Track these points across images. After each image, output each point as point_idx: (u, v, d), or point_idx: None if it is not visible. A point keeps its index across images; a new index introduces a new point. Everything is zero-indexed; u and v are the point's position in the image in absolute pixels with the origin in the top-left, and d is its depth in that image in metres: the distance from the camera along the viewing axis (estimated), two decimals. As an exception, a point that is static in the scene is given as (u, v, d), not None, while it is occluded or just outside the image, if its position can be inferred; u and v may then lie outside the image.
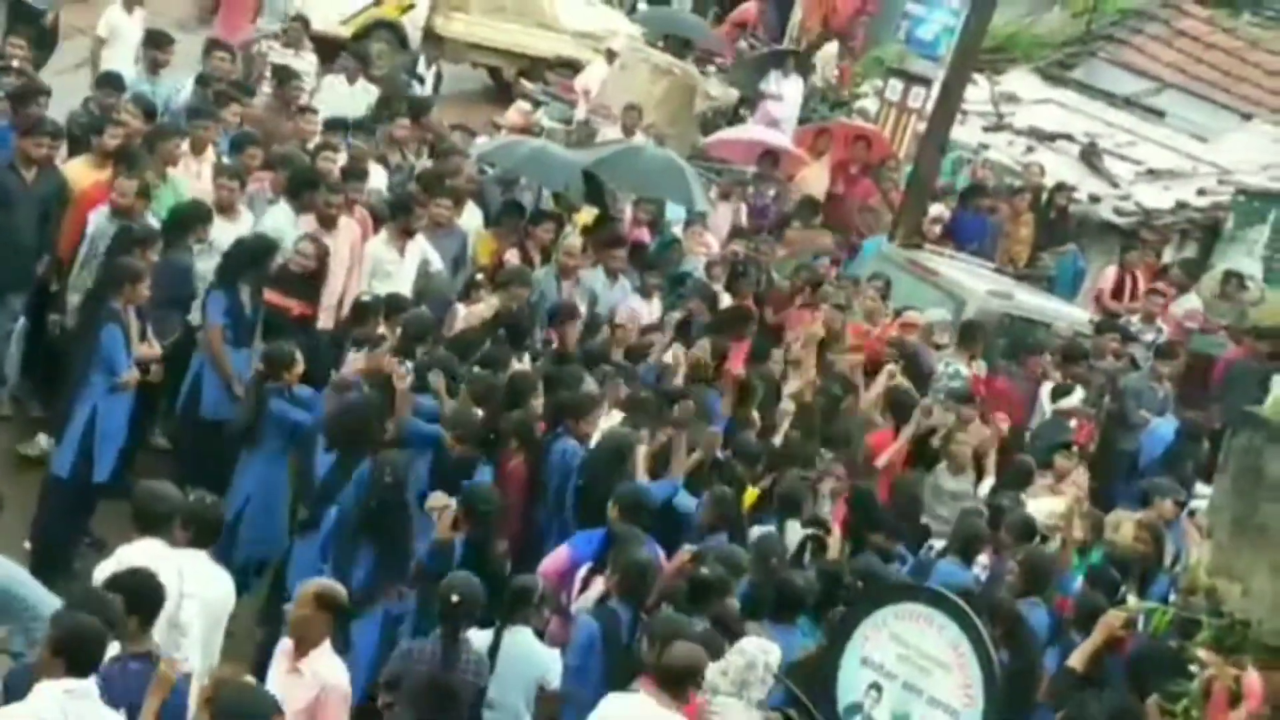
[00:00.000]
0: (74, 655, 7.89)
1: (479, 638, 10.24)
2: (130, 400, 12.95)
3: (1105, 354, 17.98)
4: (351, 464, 11.77)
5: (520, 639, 10.33)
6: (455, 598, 10.00)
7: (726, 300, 16.98)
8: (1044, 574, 12.35)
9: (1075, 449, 15.46)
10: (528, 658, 10.33)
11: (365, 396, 12.47)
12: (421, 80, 23.21)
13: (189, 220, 14.25)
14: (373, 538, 11.18)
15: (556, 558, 11.66)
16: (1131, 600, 12.13)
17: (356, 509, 11.24)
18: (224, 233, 14.36)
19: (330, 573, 10.84)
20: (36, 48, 18.13)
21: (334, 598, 9.29)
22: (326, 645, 9.23)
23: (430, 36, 26.22)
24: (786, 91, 26.44)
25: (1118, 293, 21.35)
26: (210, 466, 12.74)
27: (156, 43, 18.19)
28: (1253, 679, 7.19)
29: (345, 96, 19.92)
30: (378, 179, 16.84)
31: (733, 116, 26.56)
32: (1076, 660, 11.35)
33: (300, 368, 12.73)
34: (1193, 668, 7.33)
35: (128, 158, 14.42)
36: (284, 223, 15.05)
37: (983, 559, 12.89)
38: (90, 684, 7.90)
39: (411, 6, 27.22)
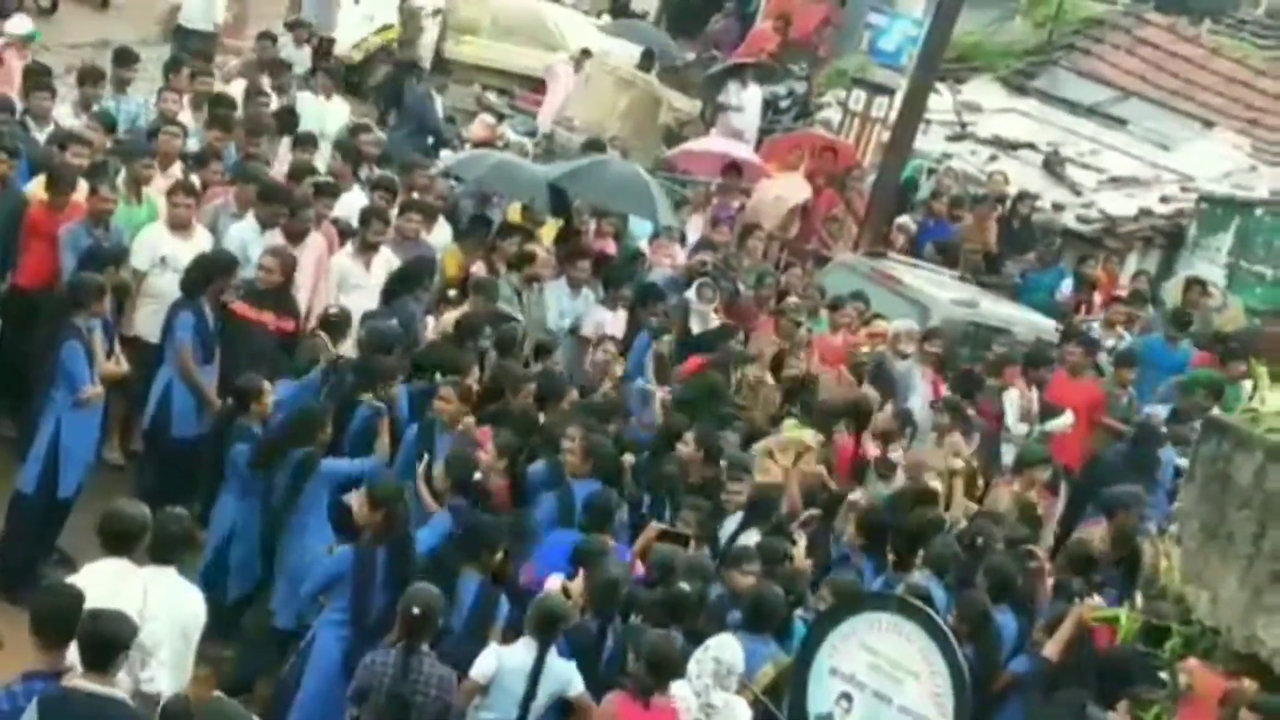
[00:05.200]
0: None
1: (513, 655, 10.29)
2: (96, 416, 12.93)
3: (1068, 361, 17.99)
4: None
5: (555, 659, 10.35)
6: (415, 610, 10.04)
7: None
8: (1010, 581, 12.38)
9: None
10: (559, 676, 10.34)
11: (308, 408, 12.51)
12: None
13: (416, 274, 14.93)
14: (388, 570, 11.15)
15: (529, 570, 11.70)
16: (1097, 600, 12.19)
17: (373, 544, 11.21)
18: (181, 251, 14.34)
19: (347, 609, 10.95)
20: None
21: None
22: None
23: (441, 60, 26.37)
24: (746, 102, 26.51)
25: (1076, 306, 21.39)
26: (178, 484, 12.71)
27: (122, 60, 18.19)
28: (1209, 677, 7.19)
29: (317, 112, 19.89)
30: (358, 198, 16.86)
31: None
32: (1051, 650, 11.45)
33: (270, 398, 12.60)
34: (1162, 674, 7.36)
35: (87, 174, 14.47)
36: (249, 237, 15.03)
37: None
38: None
39: (420, 31, 27.35)
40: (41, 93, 16.40)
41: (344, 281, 15.31)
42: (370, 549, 11.08)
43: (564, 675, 10.34)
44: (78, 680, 8.21)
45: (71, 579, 9.17)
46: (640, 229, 19.48)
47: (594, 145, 21.15)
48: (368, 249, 15.51)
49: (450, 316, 15.04)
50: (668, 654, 10.14)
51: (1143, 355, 18.42)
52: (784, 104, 28.42)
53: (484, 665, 10.29)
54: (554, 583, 11.27)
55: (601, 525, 11.89)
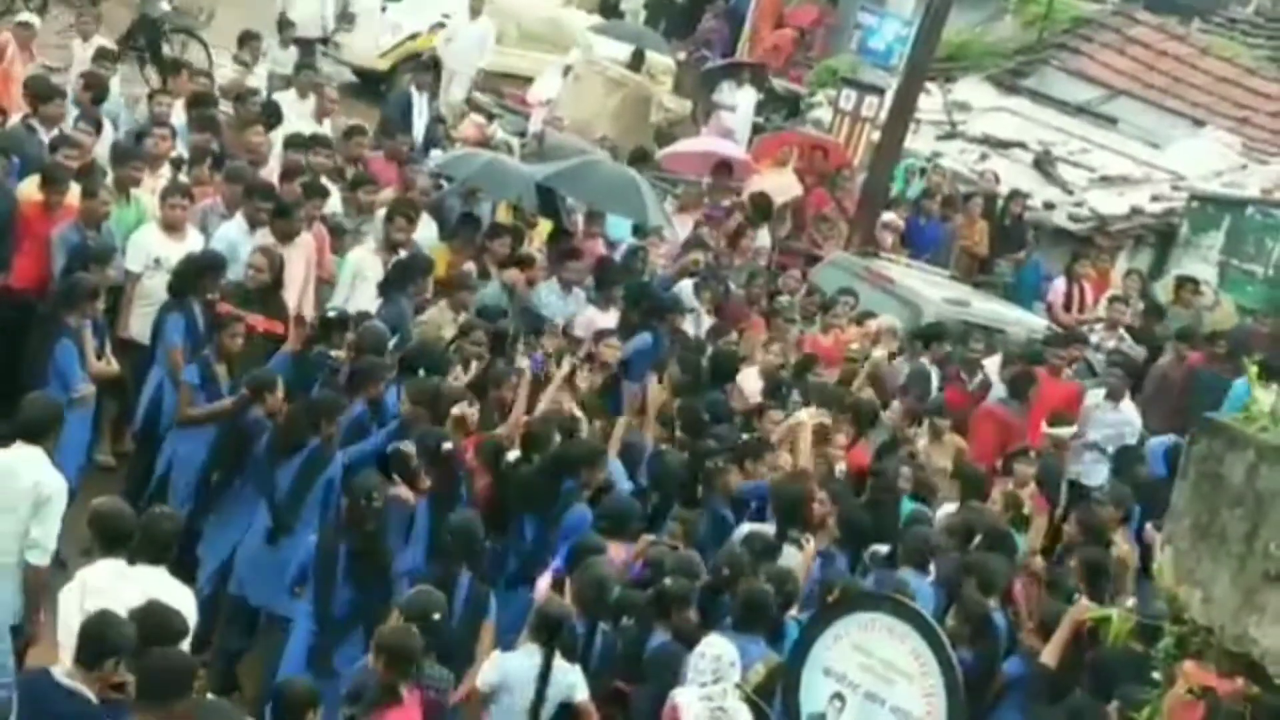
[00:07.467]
0: None
1: (518, 662, 10.25)
2: (89, 415, 12.91)
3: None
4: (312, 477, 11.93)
5: (560, 664, 10.30)
6: (437, 616, 9.98)
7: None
8: (996, 579, 12.36)
9: (1032, 454, 15.45)
10: (564, 681, 10.29)
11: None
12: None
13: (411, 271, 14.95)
14: (353, 564, 11.07)
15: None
16: (1083, 601, 12.17)
17: (336, 536, 11.17)
18: (174, 252, 14.31)
19: (311, 601, 10.92)
20: None
21: None
22: None
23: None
24: (740, 102, 26.53)
25: (1067, 304, 21.39)
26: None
27: (100, 59, 18.18)
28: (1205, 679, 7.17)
29: (300, 111, 19.87)
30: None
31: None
32: (1048, 655, 11.43)
33: (280, 391, 12.55)
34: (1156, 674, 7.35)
35: (79, 176, 14.46)
36: (237, 236, 15.00)
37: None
38: None
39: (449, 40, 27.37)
40: (55, 100, 16.39)
41: (360, 274, 15.30)
42: (332, 542, 11.06)
43: (569, 680, 10.31)
44: (58, 671, 8.36)
45: (73, 581, 9.27)
46: (619, 228, 19.41)
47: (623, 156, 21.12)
48: (391, 247, 15.51)
49: (433, 314, 15.03)
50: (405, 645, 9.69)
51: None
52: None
53: (488, 675, 10.24)
54: (545, 581, 11.26)
55: (617, 532, 11.85)
